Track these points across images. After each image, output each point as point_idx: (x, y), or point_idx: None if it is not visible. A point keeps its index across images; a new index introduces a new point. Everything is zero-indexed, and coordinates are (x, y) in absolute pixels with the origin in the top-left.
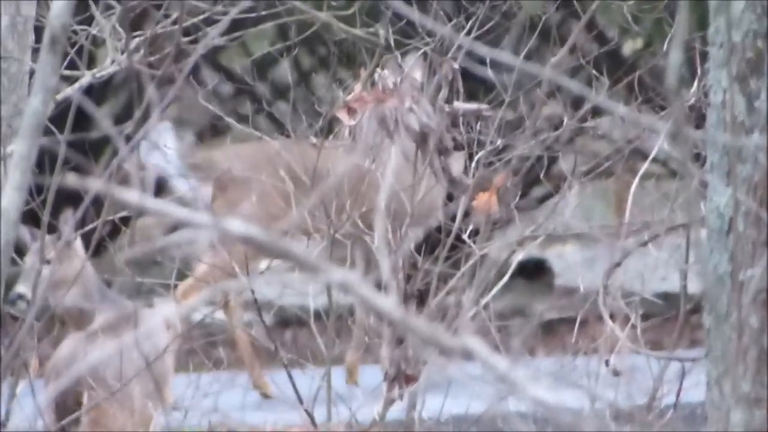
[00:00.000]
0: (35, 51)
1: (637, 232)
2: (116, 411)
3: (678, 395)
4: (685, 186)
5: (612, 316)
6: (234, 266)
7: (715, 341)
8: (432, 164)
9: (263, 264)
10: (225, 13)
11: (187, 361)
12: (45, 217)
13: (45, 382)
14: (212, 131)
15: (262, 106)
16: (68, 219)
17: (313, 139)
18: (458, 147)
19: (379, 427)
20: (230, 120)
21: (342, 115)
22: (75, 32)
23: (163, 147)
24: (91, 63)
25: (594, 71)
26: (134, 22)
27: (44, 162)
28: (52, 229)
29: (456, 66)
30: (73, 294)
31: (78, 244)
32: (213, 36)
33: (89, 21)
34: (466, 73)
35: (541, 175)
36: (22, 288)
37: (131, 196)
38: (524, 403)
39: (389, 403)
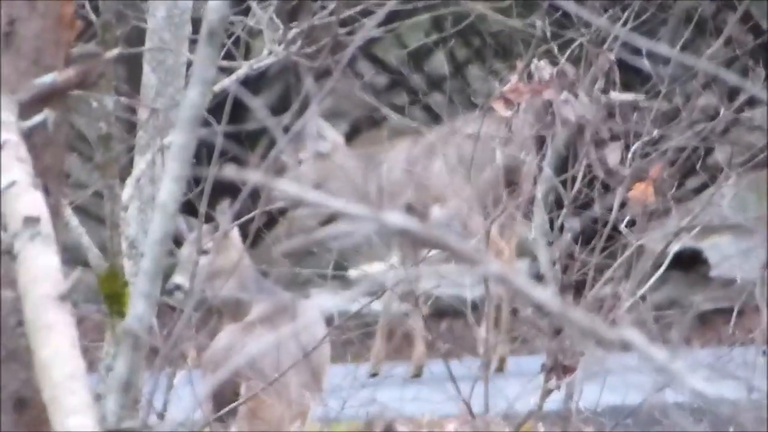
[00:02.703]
0: (192, 42)
1: None
2: (273, 401)
3: None
4: None
5: None
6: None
7: None
8: (589, 155)
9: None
10: (381, 5)
11: (345, 351)
12: (202, 208)
13: (203, 373)
14: (368, 122)
15: (418, 98)
16: (225, 210)
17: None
18: (614, 138)
19: (536, 417)
20: (386, 111)
21: (498, 107)
22: (232, 23)
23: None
24: (248, 54)
25: (749, 62)
26: (291, 14)
27: (201, 153)
28: (209, 219)
29: (612, 57)
30: (230, 285)
31: (235, 234)
32: (369, 27)
33: (246, 12)
34: (622, 64)
35: (697, 166)
36: (179, 279)
37: (289, 187)
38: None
39: (546, 394)
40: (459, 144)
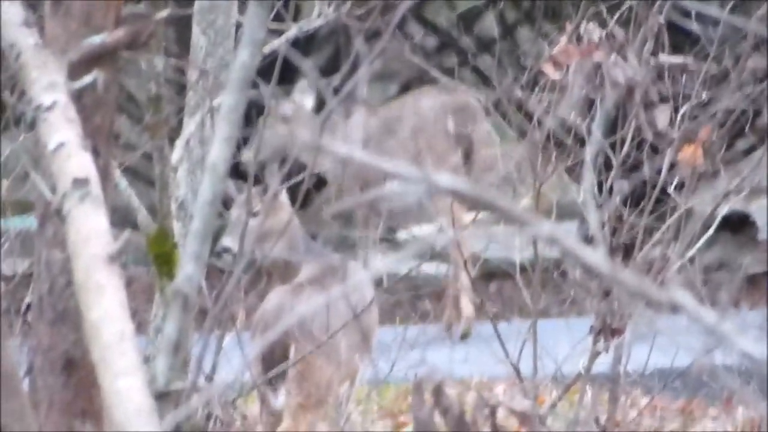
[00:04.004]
0: (241, 3)
1: None
2: (322, 363)
3: None
4: None
5: None
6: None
7: None
8: (638, 117)
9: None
10: None
11: (394, 313)
12: (251, 170)
13: (252, 335)
14: (417, 84)
15: (467, 60)
16: (274, 172)
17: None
18: (663, 100)
19: (585, 380)
20: (435, 73)
21: (547, 69)
22: None
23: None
24: (298, 15)
25: None
26: None
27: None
28: (258, 182)
29: (661, 19)
30: (279, 246)
31: (284, 197)
32: None
33: None
34: (671, 26)
35: (746, 129)
36: (228, 241)
37: (339, 147)
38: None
39: (595, 356)
40: (413, 116)
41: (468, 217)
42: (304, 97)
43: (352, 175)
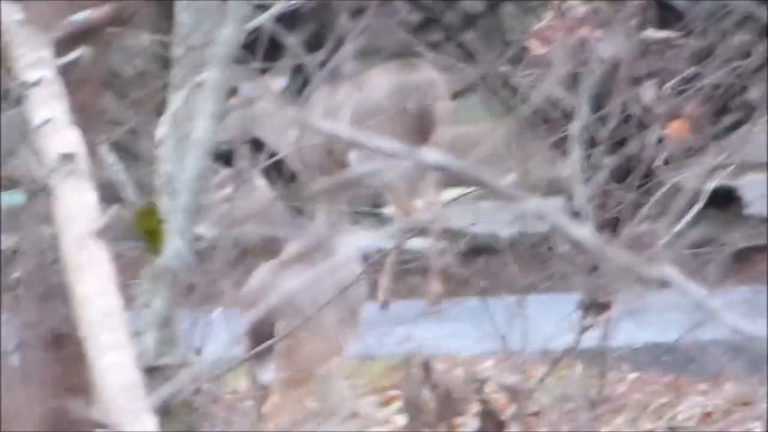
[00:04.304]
0: None
1: None
2: (310, 338)
3: None
4: None
5: None
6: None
7: None
8: (624, 92)
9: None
10: None
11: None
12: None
13: (239, 311)
14: (402, 60)
15: (452, 35)
16: (246, 154)
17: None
18: (650, 75)
19: (573, 355)
20: (420, 48)
21: (533, 45)
22: None
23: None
24: None
25: None
26: None
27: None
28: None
29: None
30: (257, 226)
31: (258, 178)
32: None
33: None
34: (657, 2)
35: (732, 104)
36: (200, 228)
37: (324, 124)
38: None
39: (583, 331)
40: (369, 93)
41: (419, 203)
42: (273, 79)
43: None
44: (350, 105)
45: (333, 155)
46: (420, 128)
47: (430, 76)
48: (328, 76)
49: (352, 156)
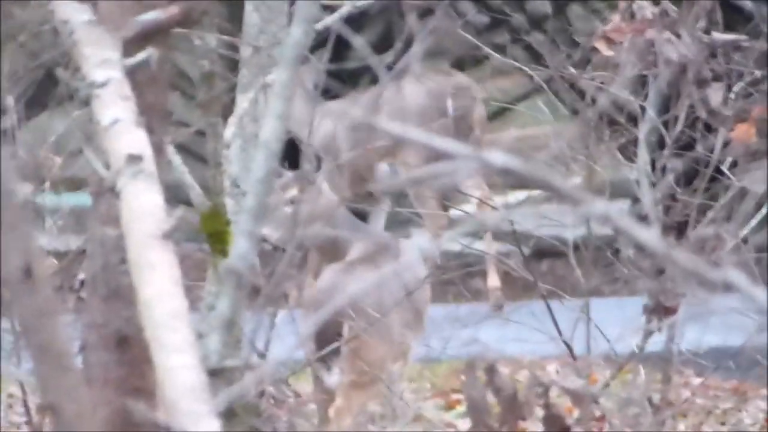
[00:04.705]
0: None
1: None
2: (375, 341)
3: None
4: None
5: None
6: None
7: None
8: (691, 95)
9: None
10: None
11: (446, 291)
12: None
13: (305, 313)
14: (469, 61)
15: (519, 37)
16: (311, 158)
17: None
18: (717, 78)
19: (638, 359)
20: (487, 50)
21: (600, 46)
22: None
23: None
24: None
25: None
26: None
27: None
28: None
29: None
30: (322, 229)
31: (321, 182)
32: None
33: None
34: (724, 3)
35: None
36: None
37: (390, 125)
38: None
39: (648, 335)
40: (404, 98)
41: (447, 216)
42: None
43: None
44: (387, 108)
45: (361, 166)
46: (458, 133)
47: (465, 81)
48: (394, 77)
49: (382, 167)
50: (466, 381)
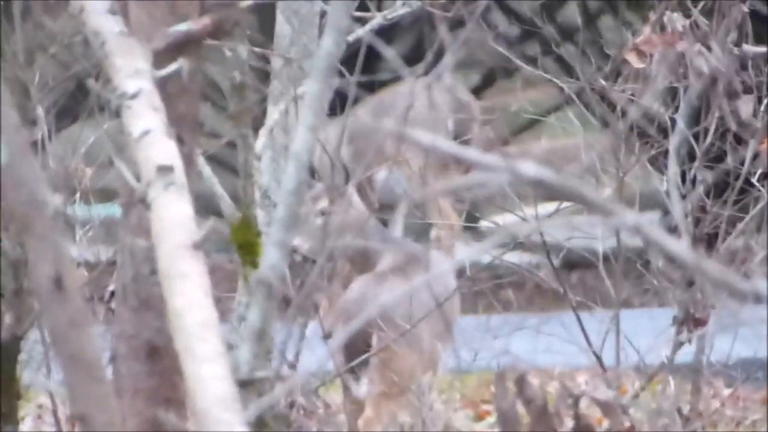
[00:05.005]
0: None
1: None
2: (405, 352)
3: None
4: None
5: None
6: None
7: None
8: (721, 107)
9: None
10: None
11: (476, 302)
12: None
13: (334, 324)
14: (501, 73)
15: (550, 48)
16: (339, 169)
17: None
18: (747, 90)
19: (668, 370)
20: (518, 62)
21: (631, 58)
22: None
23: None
24: (381, 4)
25: None
26: None
27: (335, 103)
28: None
29: (745, 8)
30: (352, 240)
31: (352, 193)
32: None
33: None
34: (755, 16)
35: None
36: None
37: (423, 137)
38: None
39: (678, 346)
40: (407, 109)
41: (456, 220)
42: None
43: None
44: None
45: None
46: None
47: (466, 98)
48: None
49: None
50: (496, 392)
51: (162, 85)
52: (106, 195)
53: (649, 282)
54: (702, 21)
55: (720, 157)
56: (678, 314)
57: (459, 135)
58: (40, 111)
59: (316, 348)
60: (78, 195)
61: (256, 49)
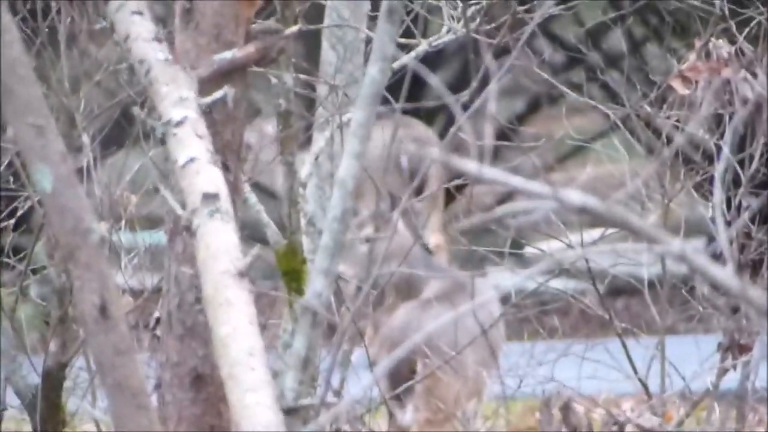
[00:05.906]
0: (371, 19)
1: None
2: (450, 379)
3: None
4: None
5: None
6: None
7: None
8: (766, 134)
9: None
10: None
11: (521, 329)
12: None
13: (379, 351)
14: (546, 100)
15: (595, 75)
16: (386, 197)
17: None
18: None
19: (713, 397)
20: (563, 89)
21: (676, 85)
22: (411, 0)
23: None
24: (426, 31)
25: None
26: None
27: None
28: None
29: None
30: (397, 267)
31: (396, 220)
32: (548, 6)
33: None
34: None
35: None
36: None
37: (468, 164)
38: None
39: (723, 373)
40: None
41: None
42: (266, 124)
43: None
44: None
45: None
46: (411, 184)
47: (425, 133)
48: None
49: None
50: (541, 419)
51: (207, 112)
52: (152, 222)
53: (695, 309)
54: (747, 48)
55: (765, 184)
56: (723, 341)
57: (414, 172)
58: (85, 138)
59: (361, 375)
60: (123, 222)
61: (302, 77)
